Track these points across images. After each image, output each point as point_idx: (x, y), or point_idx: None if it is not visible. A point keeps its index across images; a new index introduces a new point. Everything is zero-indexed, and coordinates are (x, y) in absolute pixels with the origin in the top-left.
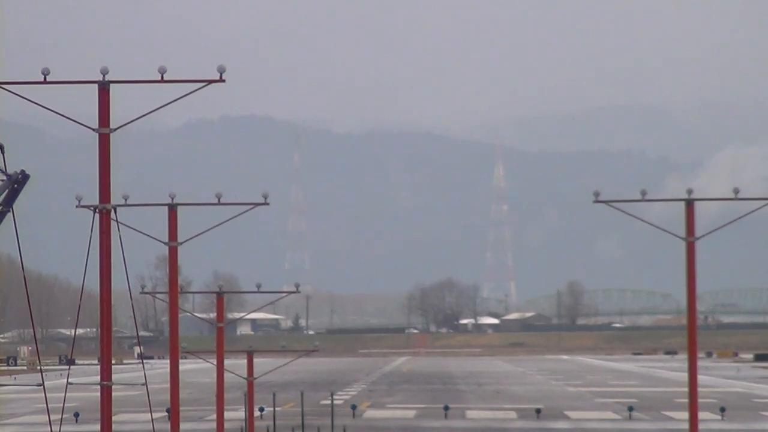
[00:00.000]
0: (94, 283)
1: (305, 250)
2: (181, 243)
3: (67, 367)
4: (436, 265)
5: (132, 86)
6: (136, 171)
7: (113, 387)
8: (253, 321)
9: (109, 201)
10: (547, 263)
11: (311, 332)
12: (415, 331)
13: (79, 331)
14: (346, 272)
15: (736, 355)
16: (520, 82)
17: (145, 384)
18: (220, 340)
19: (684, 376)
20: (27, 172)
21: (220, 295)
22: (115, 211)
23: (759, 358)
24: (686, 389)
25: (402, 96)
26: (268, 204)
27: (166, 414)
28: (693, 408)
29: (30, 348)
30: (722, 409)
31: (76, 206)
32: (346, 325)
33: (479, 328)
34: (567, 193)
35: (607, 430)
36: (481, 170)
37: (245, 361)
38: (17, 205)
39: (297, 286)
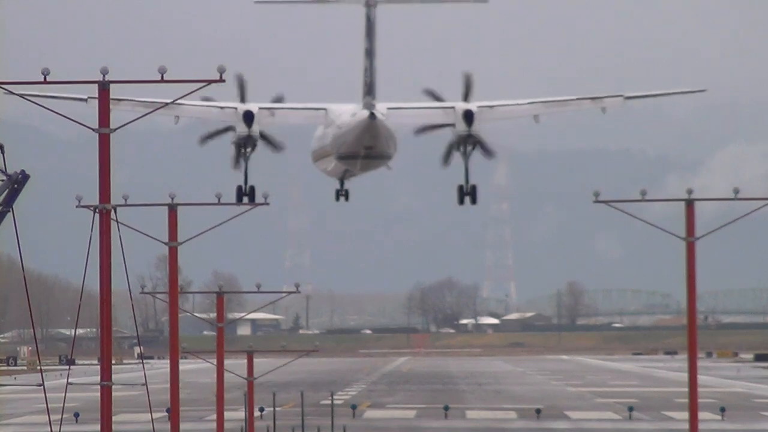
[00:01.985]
0: (94, 283)
1: (305, 250)
2: (181, 243)
3: (67, 367)
4: (436, 264)
5: (132, 86)
6: (136, 171)
7: (113, 387)
8: (253, 321)
9: (109, 201)
10: (547, 263)
11: (315, 331)
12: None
13: (79, 331)
14: (346, 272)
15: (736, 355)
16: (519, 81)
17: (145, 384)
18: (220, 340)
19: (684, 376)
20: (27, 172)
21: (220, 295)
22: (115, 211)
23: (759, 358)
24: (686, 389)
25: (401, 95)
26: (268, 204)
27: (166, 414)
28: (693, 408)
29: (30, 348)
30: (722, 409)
31: (76, 206)
32: (347, 325)
33: (479, 328)
34: (567, 193)
35: (607, 430)
36: (481, 169)
37: (245, 361)
38: (17, 205)
39: (297, 286)
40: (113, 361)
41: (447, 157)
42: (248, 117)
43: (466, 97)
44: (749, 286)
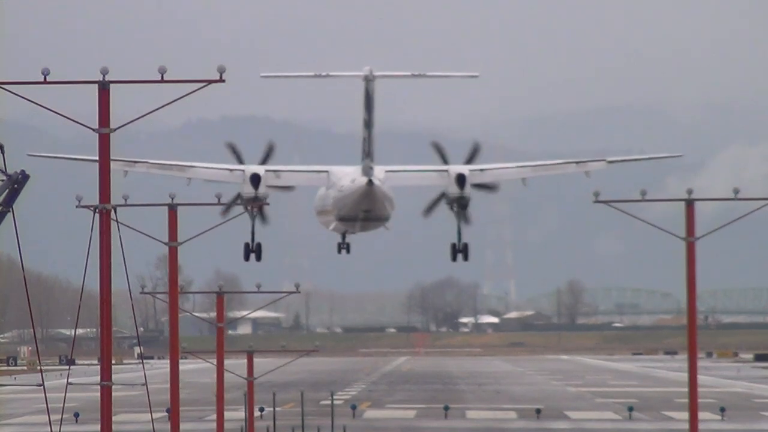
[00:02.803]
0: (94, 283)
1: (306, 249)
2: (181, 243)
3: (67, 367)
4: (436, 263)
5: (132, 86)
6: (137, 171)
7: (113, 387)
8: (254, 320)
9: (109, 201)
10: (547, 261)
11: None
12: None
13: (79, 331)
14: (346, 271)
15: (736, 355)
16: (520, 83)
17: (145, 384)
18: (220, 340)
19: (684, 376)
20: (27, 172)
21: (220, 295)
22: (115, 211)
23: (759, 358)
24: (686, 389)
25: (402, 96)
26: (268, 204)
27: (166, 414)
28: (693, 408)
29: (30, 348)
30: (722, 409)
31: (76, 206)
32: (346, 324)
33: (479, 327)
34: (567, 192)
35: (607, 430)
36: None
37: (245, 361)
38: (17, 205)
39: (297, 286)
40: (113, 361)
41: (462, 218)
42: (255, 179)
43: (444, 161)
44: (749, 286)
